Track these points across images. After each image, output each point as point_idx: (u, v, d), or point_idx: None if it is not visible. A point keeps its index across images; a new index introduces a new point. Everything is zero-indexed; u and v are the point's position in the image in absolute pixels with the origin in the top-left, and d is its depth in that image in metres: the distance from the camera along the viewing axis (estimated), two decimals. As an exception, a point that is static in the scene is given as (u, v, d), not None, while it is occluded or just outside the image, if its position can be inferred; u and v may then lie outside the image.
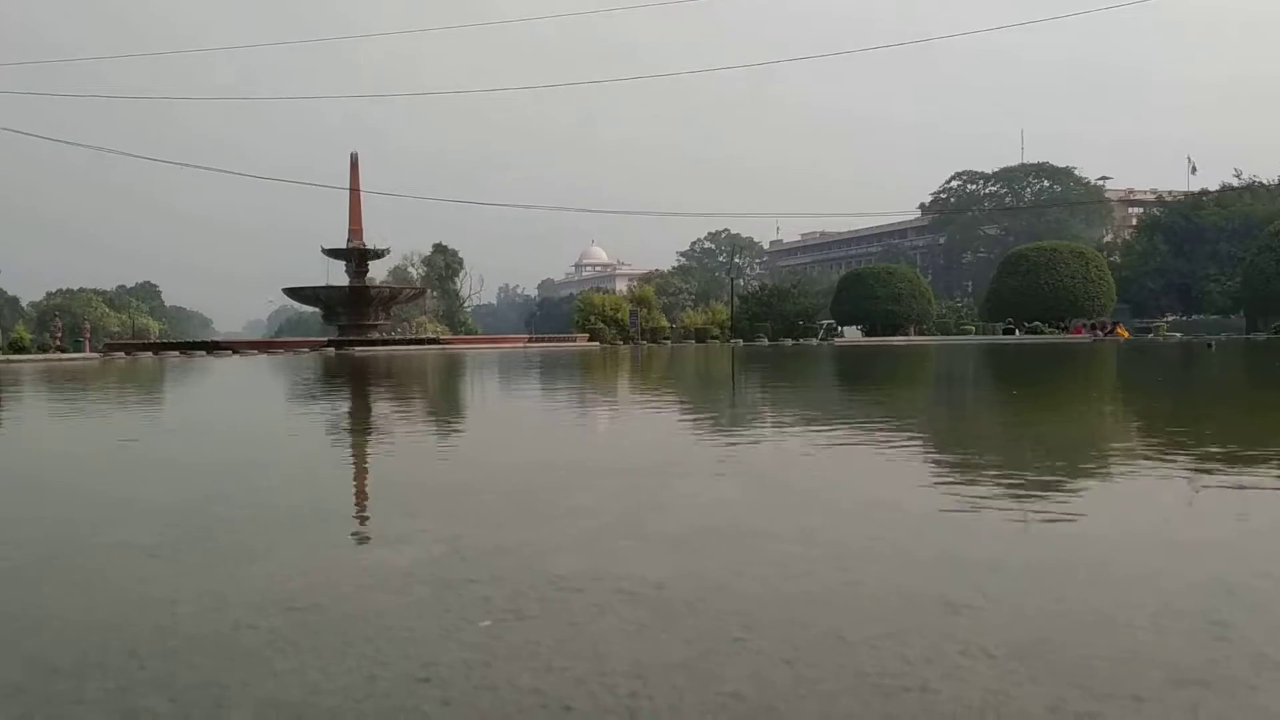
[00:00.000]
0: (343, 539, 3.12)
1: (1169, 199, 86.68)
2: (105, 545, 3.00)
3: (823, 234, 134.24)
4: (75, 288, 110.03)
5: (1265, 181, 77.85)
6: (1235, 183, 78.58)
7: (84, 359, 41.34)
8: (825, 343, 58.98)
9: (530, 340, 63.28)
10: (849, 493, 3.97)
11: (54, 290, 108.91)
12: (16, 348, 44.83)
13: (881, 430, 6.71)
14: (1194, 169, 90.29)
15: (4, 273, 53.46)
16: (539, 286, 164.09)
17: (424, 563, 2.61)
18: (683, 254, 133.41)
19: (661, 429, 7.41)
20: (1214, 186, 79.26)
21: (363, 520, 3.54)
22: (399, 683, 1.72)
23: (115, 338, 73.72)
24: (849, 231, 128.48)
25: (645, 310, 73.51)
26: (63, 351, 47.79)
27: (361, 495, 4.22)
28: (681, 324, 76.49)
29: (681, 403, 10.81)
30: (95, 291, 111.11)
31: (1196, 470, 4.44)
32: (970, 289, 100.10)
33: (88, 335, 56.34)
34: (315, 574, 2.52)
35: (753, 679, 1.71)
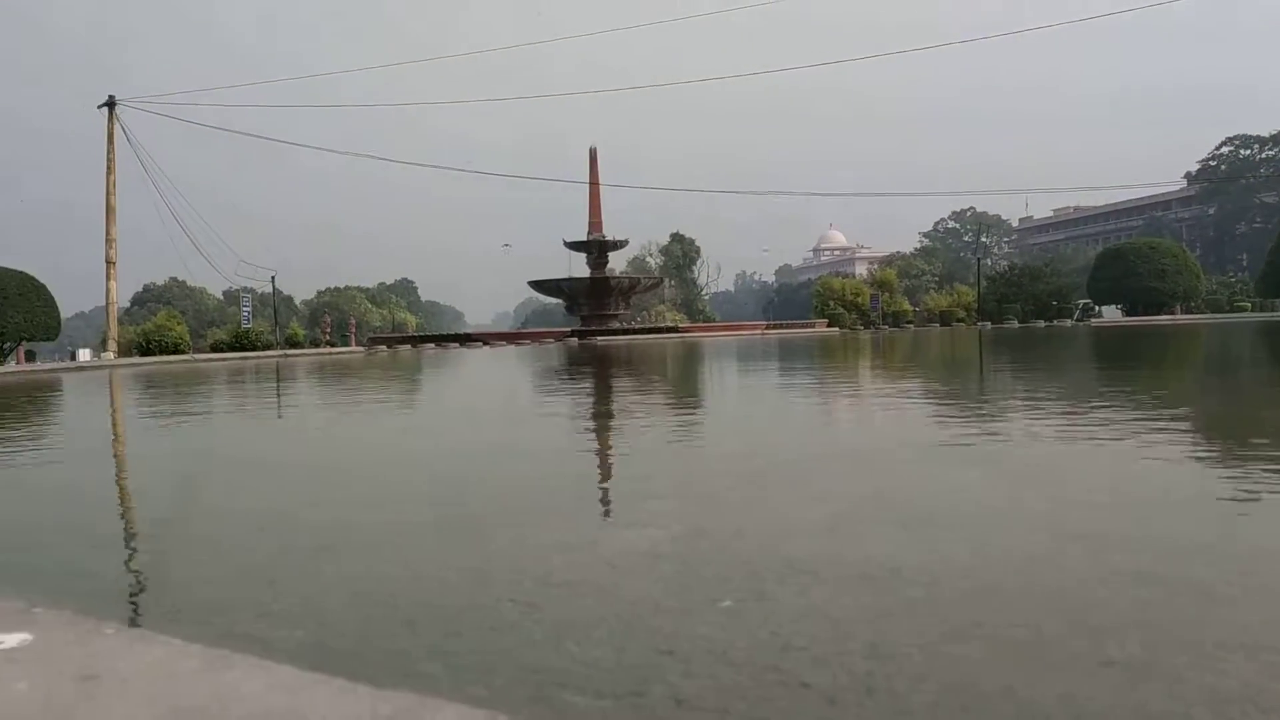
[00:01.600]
0: (591, 521, 3.28)
1: None
2: (380, 524, 3.27)
3: (1076, 209, 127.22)
4: (341, 286, 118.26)
5: None
6: None
7: (350, 352, 44.45)
8: (1081, 324, 56.06)
9: (768, 327, 63.21)
10: (1104, 481, 3.80)
11: (323, 289, 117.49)
12: (291, 343, 48.70)
13: (1143, 416, 6.36)
14: None
15: (279, 273, 57.96)
16: (776, 272, 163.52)
17: (667, 544, 2.72)
18: (925, 234, 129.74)
19: (902, 414, 7.30)
20: None
21: (609, 503, 3.70)
22: (645, 655, 1.82)
23: (377, 332, 78.73)
24: (1106, 205, 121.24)
25: (886, 294, 72.02)
26: (332, 345, 51.53)
27: (607, 479, 4.40)
28: (925, 307, 74.46)
29: (924, 388, 10.57)
30: (359, 289, 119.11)
31: None
32: (1245, 263, 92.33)
33: (353, 330, 60.51)
34: (567, 553, 2.68)
35: (991, 662, 1.71)
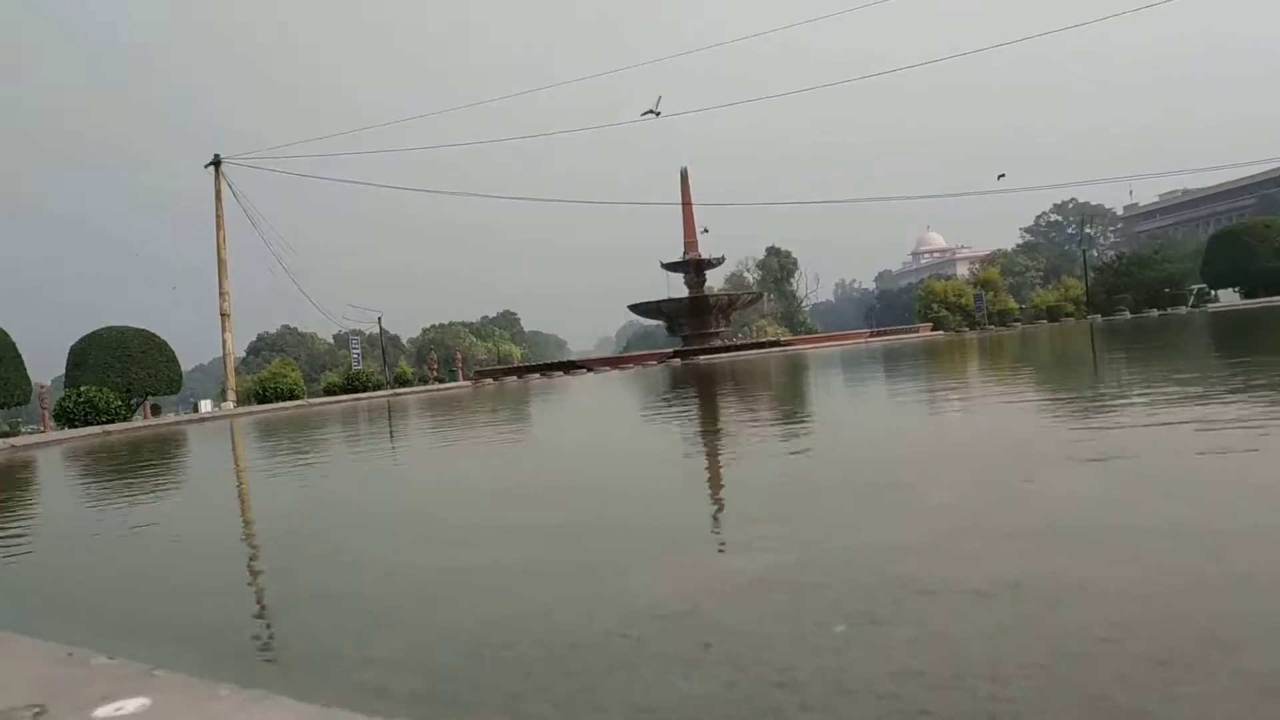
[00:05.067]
0: (699, 548, 3.25)
1: None
2: (488, 560, 3.29)
3: (1184, 192, 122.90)
4: (445, 322, 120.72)
5: None
6: None
7: (458, 387, 45.15)
8: (1197, 310, 54.11)
9: (871, 334, 62.48)
10: (1225, 479, 3.63)
11: (428, 326, 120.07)
12: (400, 381, 49.76)
13: (1259, 408, 6.07)
14: None
15: (385, 315, 59.42)
16: (876, 279, 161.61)
17: (777, 569, 2.67)
18: (1026, 230, 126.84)
19: (1017, 419, 7.09)
20: None
21: (717, 529, 3.67)
22: (758, 687, 1.79)
23: (483, 365, 79.89)
24: (1216, 186, 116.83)
25: (990, 293, 70.66)
26: (439, 381, 52.43)
27: (716, 504, 4.37)
28: (1031, 304, 72.88)
29: (1038, 389, 10.28)
30: (463, 324, 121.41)
31: None
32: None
33: (460, 364, 61.47)
34: (675, 584, 2.65)
35: (1121, 681, 1.63)
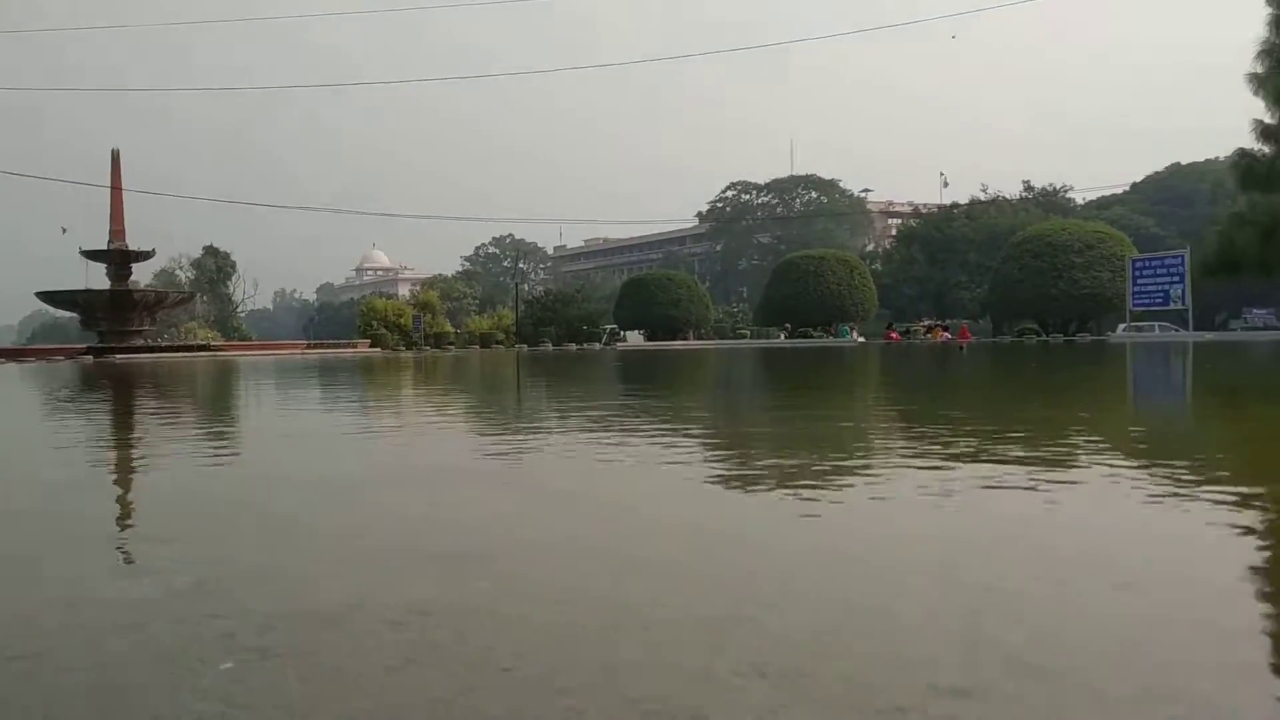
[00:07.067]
0: (73, 572, 2.79)
1: (924, 211, 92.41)
2: None
3: (605, 240, 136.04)
4: None
5: (1008, 196, 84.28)
6: (982, 197, 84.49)
7: None
8: (609, 347, 59.76)
9: (309, 346, 61.32)
10: (630, 502, 3.90)
11: None
12: None
13: (658, 435, 6.73)
14: (946, 183, 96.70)
15: None
16: (318, 291, 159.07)
17: (163, 596, 2.36)
18: (467, 259, 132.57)
19: (438, 439, 7.20)
20: (964, 200, 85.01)
21: (100, 549, 3.20)
22: (116, 744, 1.52)
23: None
24: (631, 238, 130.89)
25: (429, 315, 72.55)
26: None
27: (104, 520, 3.84)
28: (466, 329, 75.94)
29: (461, 411, 10.58)
30: None
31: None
32: (746, 294, 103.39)
33: None
34: (31, 617, 2.23)
35: (516, 714, 1.59)
